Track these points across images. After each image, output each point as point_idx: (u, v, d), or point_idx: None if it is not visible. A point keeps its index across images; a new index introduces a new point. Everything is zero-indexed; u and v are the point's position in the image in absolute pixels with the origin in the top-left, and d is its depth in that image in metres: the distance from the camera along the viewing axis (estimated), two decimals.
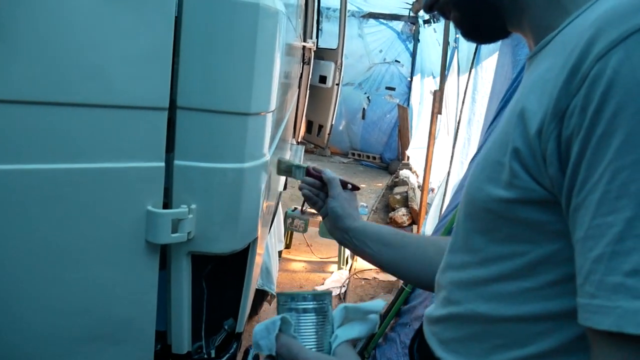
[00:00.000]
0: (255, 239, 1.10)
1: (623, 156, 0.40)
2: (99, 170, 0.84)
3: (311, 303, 0.70)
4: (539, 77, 0.50)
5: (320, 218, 3.73)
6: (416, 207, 4.91)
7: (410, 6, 6.44)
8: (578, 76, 0.43)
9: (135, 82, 0.83)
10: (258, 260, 1.27)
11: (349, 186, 1.02)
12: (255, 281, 1.43)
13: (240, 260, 1.12)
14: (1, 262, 0.81)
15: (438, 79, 4.73)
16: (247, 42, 0.89)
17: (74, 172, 0.82)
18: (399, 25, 7.40)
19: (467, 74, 2.95)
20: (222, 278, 1.14)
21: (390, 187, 6.30)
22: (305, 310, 0.70)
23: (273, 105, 1.02)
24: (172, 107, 0.88)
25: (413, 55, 7.31)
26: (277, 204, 2.80)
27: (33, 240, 0.83)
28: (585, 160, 0.42)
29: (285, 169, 1.08)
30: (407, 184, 5.71)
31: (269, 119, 1.03)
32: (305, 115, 4.84)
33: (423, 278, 0.86)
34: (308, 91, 4.61)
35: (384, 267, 0.93)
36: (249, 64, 0.90)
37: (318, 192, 1.03)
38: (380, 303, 0.74)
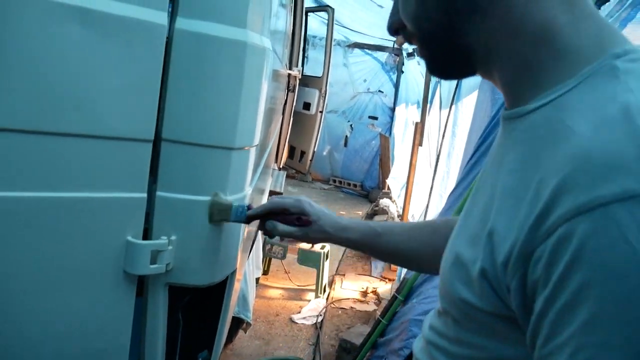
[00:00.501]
0: (234, 271, 1.11)
1: (588, 334, 0.40)
2: (81, 199, 0.84)
3: None
4: (510, 190, 0.50)
5: (298, 244, 3.74)
6: None
7: (394, 38, 6.56)
8: (543, 228, 0.43)
9: (122, 114, 0.84)
10: (236, 287, 1.27)
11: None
12: (232, 311, 1.42)
13: (218, 291, 1.12)
14: None
15: (420, 111, 4.82)
16: (233, 79, 0.91)
17: (55, 200, 0.82)
18: (383, 56, 7.55)
19: (448, 108, 3.02)
20: (198, 309, 1.14)
21: (370, 216, 6.32)
22: None
23: (257, 140, 1.04)
24: (157, 139, 0.89)
25: (396, 86, 7.44)
26: (257, 231, 2.80)
27: (8, 267, 0.82)
28: (549, 320, 0.43)
29: (219, 213, 0.94)
30: (387, 213, 5.75)
31: (253, 152, 1.04)
32: (288, 141, 4.87)
33: (424, 257, 0.86)
34: (292, 117, 4.65)
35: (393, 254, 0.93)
36: (235, 100, 0.91)
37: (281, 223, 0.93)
38: None
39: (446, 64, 0.62)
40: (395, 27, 0.63)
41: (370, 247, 0.92)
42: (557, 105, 0.49)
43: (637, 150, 0.40)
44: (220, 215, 0.94)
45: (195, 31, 0.86)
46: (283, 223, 0.93)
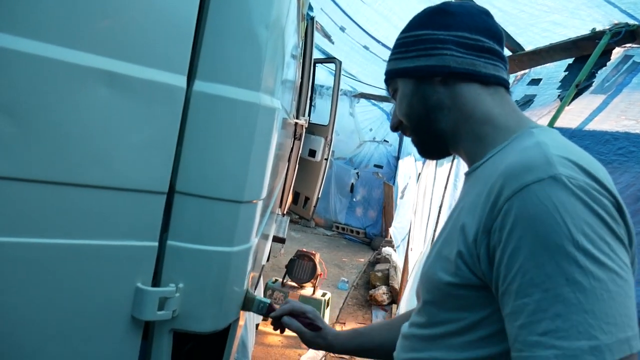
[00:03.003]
0: (237, 319, 1.14)
1: (528, 262, 0.63)
2: (96, 246, 0.89)
3: None
4: (471, 203, 0.76)
5: (299, 292, 3.73)
6: (396, 286, 4.91)
7: None
8: (495, 209, 0.68)
9: (140, 167, 0.90)
10: (237, 332, 1.30)
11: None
12: (233, 357, 1.44)
13: (221, 338, 1.15)
14: None
15: (421, 163, 4.89)
16: (245, 137, 0.97)
17: (71, 247, 0.87)
18: (388, 106, 7.71)
19: (450, 162, 3.09)
20: (200, 355, 1.16)
21: (372, 264, 6.31)
22: None
23: (264, 193, 1.09)
24: (171, 191, 0.95)
25: (401, 136, 7.56)
26: (260, 275, 2.81)
27: (21, 309, 0.86)
28: (504, 264, 0.66)
29: (245, 301, 1.13)
30: (389, 262, 5.74)
31: (260, 205, 1.10)
32: (293, 187, 4.93)
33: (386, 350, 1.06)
34: (297, 164, 4.72)
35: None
36: (246, 157, 0.98)
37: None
38: None
39: (429, 146, 0.94)
40: (396, 125, 0.96)
41: (358, 346, 1.16)
42: (496, 155, 0.80)
43: (544, 160, 0.66)
44: (245, 303, 1.11)
45: (211, 93, 0.93)
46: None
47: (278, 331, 1.23)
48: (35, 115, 0.79)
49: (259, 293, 3.19)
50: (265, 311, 1.14)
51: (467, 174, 0.86)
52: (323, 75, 7.13)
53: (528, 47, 2.53)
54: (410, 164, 6.20)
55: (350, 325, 4.05)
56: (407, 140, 7.35)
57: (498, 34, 0.87)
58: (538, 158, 0.67)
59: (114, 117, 0.86)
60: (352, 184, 7.90)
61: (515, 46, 2.55)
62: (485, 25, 0.86)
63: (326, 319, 3.61)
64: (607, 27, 1.95)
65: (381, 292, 4.97)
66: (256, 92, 0.97)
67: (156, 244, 0.95)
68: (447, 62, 0.84)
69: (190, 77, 0.93)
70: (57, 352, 0.91)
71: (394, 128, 0.97)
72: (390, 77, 0.93)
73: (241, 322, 1.34)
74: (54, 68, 0.79)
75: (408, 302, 3.48)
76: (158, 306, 0.95)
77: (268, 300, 1.15)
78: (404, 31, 0.91)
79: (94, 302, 0.92)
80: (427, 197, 3.87)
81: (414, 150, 6.39)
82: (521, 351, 0.63)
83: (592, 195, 0.64)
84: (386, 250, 6.29)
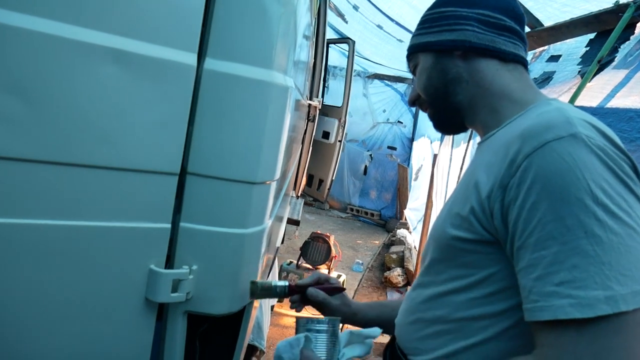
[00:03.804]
0: (252, 302, 1.13)
1: (547, 215, 0.64)
2: (109, 228, 0.88)
3: (325, 325, 0.91)
4: (487, 162, 0.77)
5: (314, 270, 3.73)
6: (412, 268, 4.90)
7: None
8: (514, 165, 0.69)
9: (151, 148, 0.88)
10: (252, 314, 1.29)
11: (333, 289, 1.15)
12: (247, 339, 1.44)
13: (235, 321, 1.14)
14: (3, 312, 0.84)
15: (438, 143, 4.83)
16: (257, 117, 0.95)
17: (84, 229, 0.86)
18: (403, 87, 7.62)
19: (466, 143, 3.04)
20: (215, 337, 1.16)
21: (387, 246, 6.30)
22: (319, 331, 0.91)
23: (278, 174, 1.07)
24: (183, 173, 0.93)
25: (415, 117, 7.48)
26: (274, 258, 2.81)
27: (35, 291, 0.86)
28: (523, 218, 0.67)
29: (263, 291, 1.09)
30: (404, 244, 5.72)
31: (273, 187, 1.08)
32: (307, 169, 4.92)
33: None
34: (311, 146, 4.70)
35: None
36: (258, 136, 0.95)
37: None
38: (377, 331, 0.98)
39: (446, 120, 0.96)
40: (414, 99, 0.99)
41: (378, 315, 1.17)
42: (513, 122, 0.81)
43: (565, 119, 0.68)
44: (263, 292, 1.08)
45: (222, 71, 0.91)
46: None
47: (294, 311, 1.22)
48: (45, 95, 0.78)
49: (274, 275, 3.20)
50: (287, 292, 1.13)
51: (481, 143, 0.89)
52: (336, 55, 7.05)
53: (547, 23, 2.46)
54: (425, 145, 6.14)
55: None
56: (422, 122, 7.28)
57: (520, 15, 0.90)
58: (558, 118, 0.69)
59: (123, 97, 0.84)
60: (366, 166, 7.86)
61: (534, 22, 2.48)
62: (508, 5, 0.88)
63: None
64: (631, 0, 1.88)
65: (396, 274, 4.96)
66: (268, 70, 0.94)
67: (169, 225, 0.94)
68: (468, 37, 0.87)
69: (201, 55, 0.91)
70: (74, 332, 0.91)
71: (412, 102, 1.01)
72: (412, 52, 0.96)
73: (256, 304, 1.34)
74: (63, 46, 0.77)
75: None
76: (172, 288, 0.94)
77: (286, 282, 1.14)
78: (429, 8, 0.94)
79: (108, 283, 0.92)
80: (444, 178, 3.83)
81: (429, 131, 6.34)
82: (536, 302, 0.65)
83: (610, 155, 0.65)
84: (401, 232, 6.27)
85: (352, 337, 0.96)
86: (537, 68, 2.55)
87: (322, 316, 0.99)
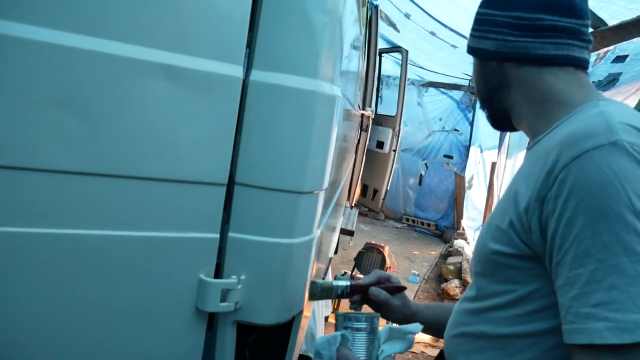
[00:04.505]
0: (301, 312, 1.12)
1: (584, 231, 0.61)
2: (160, 238, 0.90)
3: (364, 324, 0.89)
4: (527, 172, 0.74)
5: None
6: (470, 280, 4.76)
7: (469, 77, 6.51)
8: (551, 177, 0.66)
9: (200, 159, 0.90)
10: (304, 324, 1.29)
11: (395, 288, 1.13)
12: (298, 349, 1.43)
13: (285, 331, 1.14)
14: (52, 317, 0.87)
15: (495, 151, 4.69)
16: (304, 126, 0.95)
17: (136, 239, 0.89)
18: (459, 94, 7.47)
19: (516, 155, 2.94)
20: (265, 347, 1.16)
21: (444, 257, 6.16)
22: (358, 329, 0.88)
23: (326, 184, 1.07)
24: (231, 183, 0.94)
25: (472, 124, 7.31)
26: (327, 268, 2.81)
27: (87, 301, 0.89)
28: (560, 233, 0.64)
29: (323, 291, 1.07)
30: (462, 255, 5.58)
31: (321, 196, 1.07)
32: (361, 179, 4.90)
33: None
34: (365, 156, 4.68)
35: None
36: (305, 146, 0.95)
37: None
38: (418, 326, 0.96)
39: (497, 120, 0.97)
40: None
41: (437, 318, 1.12)
42: (558, 127, 0.78)
43: (606, 126, 0.64)
44: (323, 293, 1.07)
45: (268, 82, 0.92)
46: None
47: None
48: (99, 111, 0.81)
49: None
50: (349, 292, 1.10)
51: (529, 149, 0.87)
52: (389, 64, 7.02)
53: (612, 22, 2.34)
54: (477, 153, 5.99)
55: None
56: (478, 129, 7.11)
57: (565, 5, 0.80)
58: (599, 124, 0.65)
59: (173, 110, 0.86)
60: (421, 175, 7.75)
61: (597, 21, 2.36)
62: (549, 0, 0.81)
63: None
64: None
65: (453, 286, 4.84)
66: (314, 80, 0.94)
67: (217, 235, 0.95)
68: (499, 48, 0.85)
69: (248, 67, 0.92)
70: (128, 340, 0.94)
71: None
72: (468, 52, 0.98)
73: (307, 314, 1.33)
74: (117, 64, 0.80)
75: None
76: (220, 298, 0.95)
77: (348, 282, 1.12)
78: (479, 6, 0.93)
79: (159, 292, 0.94)
80: (503, 188, 3.71)
81: (480, 139, 6.20)
82: (572, 323, 0.62)
83: None
84: (458, 242, 6.12)
85: (392, 332, 0.94)
86: (601, 70, 2.43)
87: (360, 313, 0.97)
